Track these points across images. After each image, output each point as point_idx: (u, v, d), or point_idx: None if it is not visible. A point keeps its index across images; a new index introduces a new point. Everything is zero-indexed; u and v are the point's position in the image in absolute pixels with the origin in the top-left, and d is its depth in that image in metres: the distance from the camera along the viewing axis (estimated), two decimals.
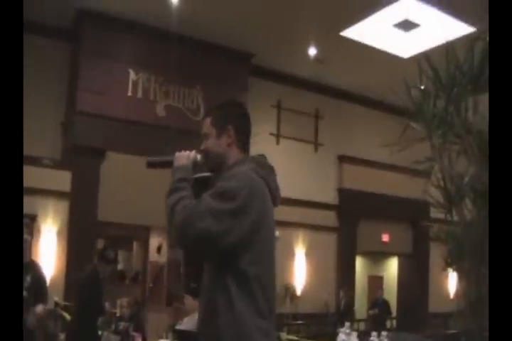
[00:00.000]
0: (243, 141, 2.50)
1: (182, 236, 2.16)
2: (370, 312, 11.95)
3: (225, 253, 2.17)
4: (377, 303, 12.07)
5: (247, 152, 2.52)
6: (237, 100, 2.71)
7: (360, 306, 13.31)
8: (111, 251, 5.79)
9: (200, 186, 2.51)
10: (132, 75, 10.26)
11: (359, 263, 14.70)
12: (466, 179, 2.69)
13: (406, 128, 4.77)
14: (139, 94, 10.33)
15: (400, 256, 14.65)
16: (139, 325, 5.93)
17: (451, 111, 2.91)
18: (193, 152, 2.48)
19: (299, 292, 12.01)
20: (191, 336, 4.55)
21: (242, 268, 2.17)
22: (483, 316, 3.69)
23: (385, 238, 13.26)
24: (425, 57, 3.04)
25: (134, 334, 4.95)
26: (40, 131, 9.68)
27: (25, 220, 4.45)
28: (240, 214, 2.15)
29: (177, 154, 2.46)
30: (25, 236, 4.36)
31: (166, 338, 4.69)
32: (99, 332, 5.13)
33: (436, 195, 3.15)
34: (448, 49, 3.00)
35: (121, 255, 12.21)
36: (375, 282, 15.50)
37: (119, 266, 11.95)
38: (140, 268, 10.84)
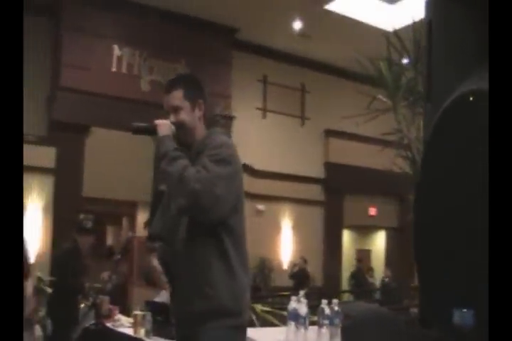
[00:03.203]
0: (205, 114, 2.59)
1: (202, 201, 2.22)
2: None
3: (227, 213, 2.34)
4: (295, 272, 11.57)
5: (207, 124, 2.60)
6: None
7: (347, 278, 13.46)
8: (88, 220, 5.75)
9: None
10: (116, 50, 10.22)
11: (347, 236, 14.82)
12: None
13: (373, 100, 4.82)
14: (124, 70, 10.30)
15: (387, 229, 14.76)
16: (118, 298, 5.98)
17: (419, 81, 2.94)
18: (169, 122, 2.50)
19: (285, 266, 12.12)
20: (161, 307, 4.63)
21: (234, 225, 2.37)
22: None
23: (372, 212, 13.34)
24: (393, 31, 3.06)
25: (111, 306, 5.00)
26: (25, 108, 9.64)
27: None
28: (237, 177, 2.38)
29: (157, 122, 2.49)
30: None
31: (142, 310, 4.76)
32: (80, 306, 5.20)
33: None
34: (415, 22, 3.01)
35: (109, 231, 12.29)
36: (363, 256, 15.63)
37: (108, 242, 12.04)
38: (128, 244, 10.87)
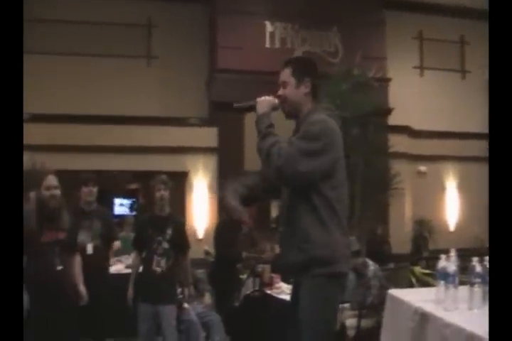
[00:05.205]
0: (316, 92, 2.89)
1: (285, 175, 2.61)
2: None
3: (314, 182, 2.68)
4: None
5: (317, 101, 2.91)
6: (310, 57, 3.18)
7: None
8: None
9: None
10: (269, 26, 10.46)
11: None
12: None
13: None
14: (277, 44, 10.50)
15: None
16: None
17: None
18: (272, 97, 2.84)
19: (451, 227, 11.76)
20: None
21: (326, 193, 2.69)
22: None
23: None
24: None
25: (272, 275, 5.35)
26: (187, 92, 10.37)
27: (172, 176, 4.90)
28: (326, 152, 2.65)
29: (258, 99, 2.84)
30: (162, 192, 4.77)
31: None
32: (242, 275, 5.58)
33: None
34: None
35: (274, 204, 12.73)
36: None
37: (273, 214, 12.50)
38: None
